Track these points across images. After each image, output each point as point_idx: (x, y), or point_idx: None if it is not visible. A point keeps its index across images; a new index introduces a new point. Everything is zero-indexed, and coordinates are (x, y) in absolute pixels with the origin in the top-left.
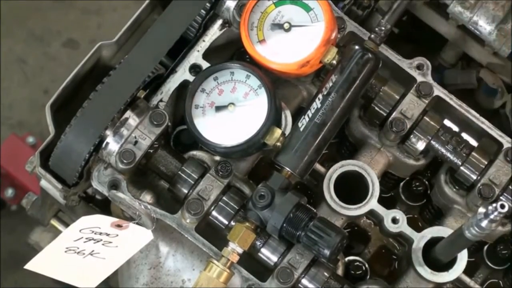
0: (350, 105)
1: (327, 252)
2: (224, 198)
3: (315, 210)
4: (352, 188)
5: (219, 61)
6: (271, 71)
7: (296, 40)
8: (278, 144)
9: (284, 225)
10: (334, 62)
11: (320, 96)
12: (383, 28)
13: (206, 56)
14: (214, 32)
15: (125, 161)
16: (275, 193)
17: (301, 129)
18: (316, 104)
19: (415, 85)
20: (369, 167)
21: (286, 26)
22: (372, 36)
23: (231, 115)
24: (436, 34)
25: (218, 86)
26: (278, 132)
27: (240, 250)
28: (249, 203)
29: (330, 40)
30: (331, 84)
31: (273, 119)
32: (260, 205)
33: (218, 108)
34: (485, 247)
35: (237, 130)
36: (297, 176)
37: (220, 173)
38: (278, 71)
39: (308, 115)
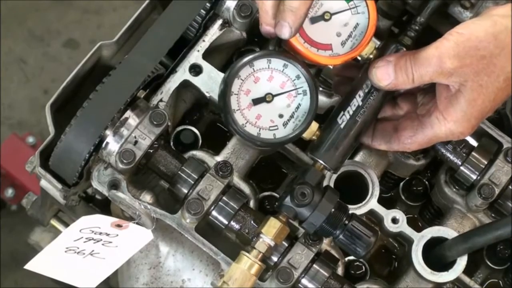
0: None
1: (363, 252)
2: (224, 198)
3: (348, 207)
4: (352, 188)
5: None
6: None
7: (335, 32)
8: (314, 138)
9: (323, 224)
10: (371, 56)
11: (360, 93)
12: (417, 22)
13: (206, 56)
14: (214, 32)
15: (125, 161)
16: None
17: (342, 126)
18: (357, 101)
19: None
20: (369, 167)
21: (326, 16)
22: (408, 32)
23: (269, 106)
24: (437, 35)
25: (253, 73)
26: (315, 125)
27: (272, 244)
28: (285, 198)
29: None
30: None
31: (316, 111)
32: (302, 203)
33: (256, 101)
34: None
35: (276, 124)
36: (332, 171)
37: (220, 173)
38: (318, 63)
39: (348, 112)
